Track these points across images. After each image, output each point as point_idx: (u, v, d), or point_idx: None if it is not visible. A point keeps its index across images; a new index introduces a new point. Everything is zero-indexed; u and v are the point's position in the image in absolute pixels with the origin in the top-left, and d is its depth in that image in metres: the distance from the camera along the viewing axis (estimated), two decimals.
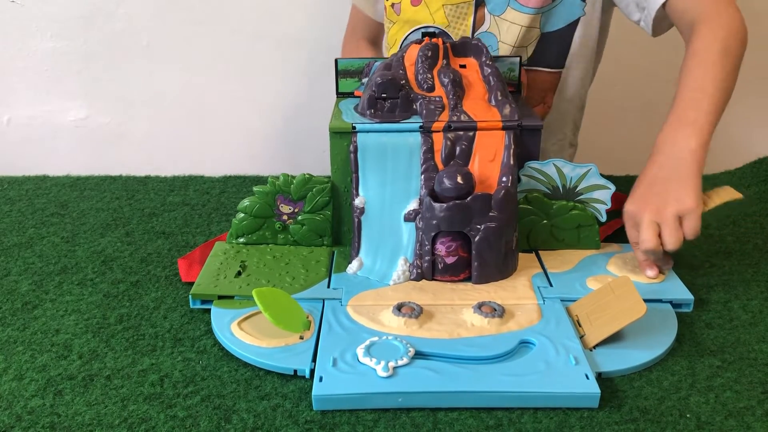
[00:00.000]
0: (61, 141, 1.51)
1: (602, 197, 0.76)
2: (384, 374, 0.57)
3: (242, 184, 1.04)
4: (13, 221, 0.91)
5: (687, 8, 0.81)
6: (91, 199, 0.99)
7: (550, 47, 0.95)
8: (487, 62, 0.78)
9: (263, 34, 1.44)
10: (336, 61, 0.86)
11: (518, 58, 0.87)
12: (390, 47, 1.03)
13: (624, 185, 0.95)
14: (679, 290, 0.70)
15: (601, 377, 0.59)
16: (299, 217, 0.78)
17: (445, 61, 0.79)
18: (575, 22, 0.93)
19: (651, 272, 0.72)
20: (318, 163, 0.97)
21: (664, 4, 0.83)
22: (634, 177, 1.06)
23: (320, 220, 0.78)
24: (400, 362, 0.58)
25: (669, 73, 0.91)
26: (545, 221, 0.77)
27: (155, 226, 0.90)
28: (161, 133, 1.52)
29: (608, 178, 0.76)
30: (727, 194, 0.74)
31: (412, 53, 0.78)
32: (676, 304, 0.69)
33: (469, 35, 0.94)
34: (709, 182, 1.04)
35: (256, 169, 1.08)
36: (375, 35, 1.11)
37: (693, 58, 0.76)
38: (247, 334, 0.63)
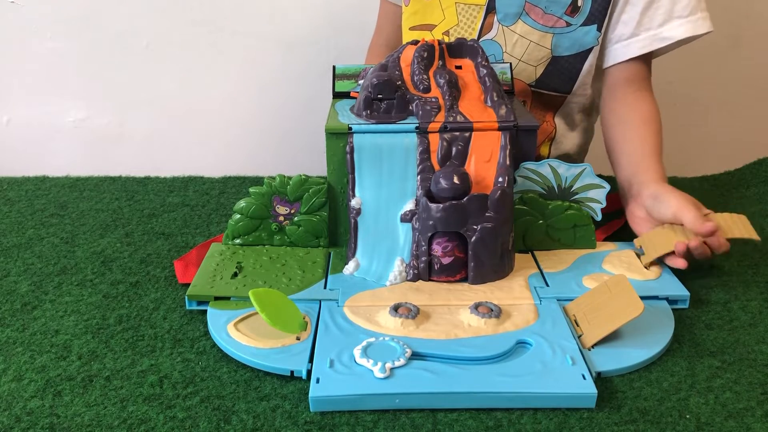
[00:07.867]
0: (60, 141, 1.51)
1: (597, 196, 0.76)
2: (381, 375, 0.57)
3: (242, 185, 1.04)
4: (13, 222, 0.92)
5: (634, 80, 0.92)
6: (90, 200, 0.99)
7: (559, 72, 0.94)
8: (483, 63, 0.78)
9: (263, 35, 1.44)
10: (333, 67, 0.86)
11: (508, 64, 0.87)
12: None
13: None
14: (674, 287, 0.71)
15: (600, 377, 0.59)
16: (295, 218, 0.78)
17: (440, 62, 0.79)
18: (588, 51, 0.92)
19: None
20: (314, 164, 0.97)
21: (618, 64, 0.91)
22: None
23: (316, 221, 0.78)
24: (397, 363, 0.58)
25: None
26: (541, 221, 0.77)
27: (155, 227, 0.90)
28: (161, 133, 1.52)
29: (604, 179, 0.76)
30: (743, 230, 0.74)
31: (408, 54, 0.79)
32: (671, 301, 0.69)
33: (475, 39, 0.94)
34: (709, 182, 1.04)
35: (256, 170, 1.08)
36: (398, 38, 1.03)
37: (647, 124, 0.88)
38: (244, 335, 0.63)
